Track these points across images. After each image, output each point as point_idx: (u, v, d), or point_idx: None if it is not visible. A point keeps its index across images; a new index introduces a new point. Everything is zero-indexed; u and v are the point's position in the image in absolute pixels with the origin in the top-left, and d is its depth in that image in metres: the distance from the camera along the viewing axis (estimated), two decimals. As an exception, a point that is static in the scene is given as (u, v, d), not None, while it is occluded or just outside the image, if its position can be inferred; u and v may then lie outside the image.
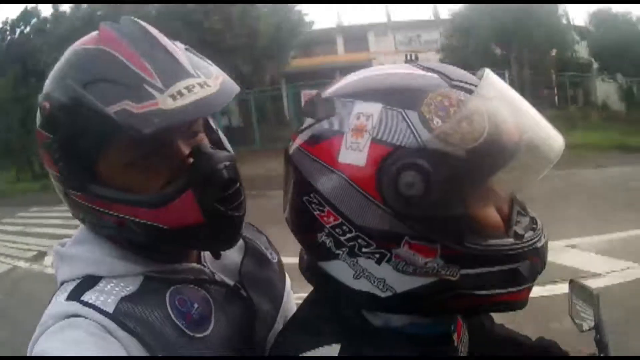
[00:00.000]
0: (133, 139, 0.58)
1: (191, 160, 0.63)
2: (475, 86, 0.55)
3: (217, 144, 0.70)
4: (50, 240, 7.18)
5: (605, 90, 18.26)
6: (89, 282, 0.62)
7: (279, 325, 0.75)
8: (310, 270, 0.63)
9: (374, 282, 0.55)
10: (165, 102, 0.57)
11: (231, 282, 0.73)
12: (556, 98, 17.66)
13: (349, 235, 0.55)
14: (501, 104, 0.55)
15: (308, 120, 0.59)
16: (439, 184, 0.50)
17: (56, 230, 7.56)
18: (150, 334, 0.58)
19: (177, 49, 0.64)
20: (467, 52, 15.45)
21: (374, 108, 0.54)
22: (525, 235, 0.57)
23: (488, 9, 15.51)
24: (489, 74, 0.57)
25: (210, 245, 0.68)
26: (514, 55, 15.51)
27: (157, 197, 0.61)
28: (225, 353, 0.64)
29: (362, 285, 0.56)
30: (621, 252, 4.20)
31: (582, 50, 18.48)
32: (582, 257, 4.13)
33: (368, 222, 0.53)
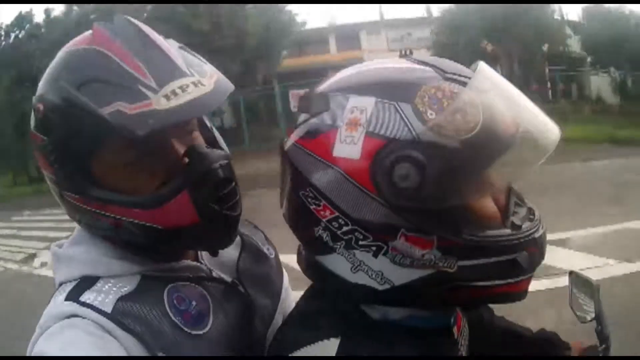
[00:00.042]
0: (127, 140, 0.58)
1: (186, 160, 0.62)
2: (469, 79, 0.55)
3: (212, 143, 0.70)
4: (40, 243, 7.49)
5: (599, 84, 18.26)
6: (86, 282, 0.62)
7: (277, 321, 0.75)
8: (308, 265, 0.63)
9: (372, 275, 0.55)
10: (159, 102, 0.56)
11: (229, 279, 0.73)
12: (550, 92, 17.67)
13: (345, 228, 0.55)
14: (496, 95, 0.55)
15: (303, 116, 0.59)
16: (434, 175, 0.50)
17: (47, 233, 7.73)
18: (148, 333, 0.58)
19: (171, 47, 0.63)
20: (457, 49, 15.47)
21: (368, 102, 0.54)
22: (523, 226, 0.57)
23: (477, 6, 15.55)
24: (483, 66, 0.57)
25: (206, 244, 0.68)
26: (503, 51, 15.52)
27: (152, 198, 0.61)
28: (224, 349, 0.64)
29: (359, 278, 0.56)
30: (599, 248, 4.11)
31: (574, 45, 18.49)
32: (558, 254, 3.93)
33: (364, 215, 0.53)
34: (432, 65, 0.57)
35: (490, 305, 0.83)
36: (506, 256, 0.55)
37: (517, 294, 0.58)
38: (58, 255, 0.68)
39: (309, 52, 20.74)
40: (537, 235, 0.57)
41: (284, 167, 0.61)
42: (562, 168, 6.67)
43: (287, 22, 16.25)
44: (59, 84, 0.59)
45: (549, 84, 18.00)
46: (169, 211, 0.60)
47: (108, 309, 0.58)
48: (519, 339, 0.84)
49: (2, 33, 16.83)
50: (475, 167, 0.52)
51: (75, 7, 15.29)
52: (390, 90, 0.54)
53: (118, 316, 0.58)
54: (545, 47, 17.39)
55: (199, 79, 0.60)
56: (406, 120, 0.52)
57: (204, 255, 0.74)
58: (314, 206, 0.56)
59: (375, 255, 0.54)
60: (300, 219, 0.59)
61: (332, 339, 0.55)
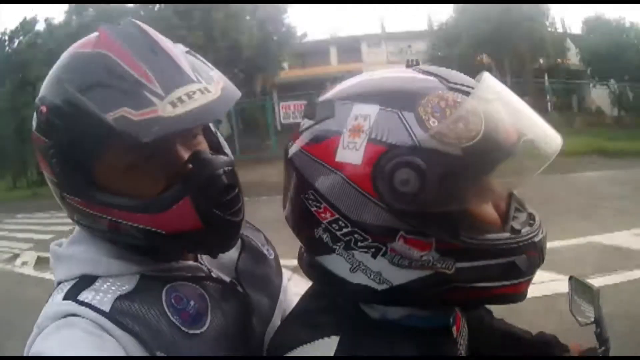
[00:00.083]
0: (131, 145, 0.57)
1: (190, 166, 0.62)
2: (473, 88, 0.56)
3: (216, 148, 0.70)
4: (23, 244, 7.83)
5: (599, 96, 18.19)
6: (85, 281, 0.61)
7: (276, 321, 0.75)
8: (309, 265, 0.64)
9: (370, 275, 0.56)
10: (165, 109, 0.56)
11: (228, 279, 0.73)
12: (549, 105, 17.64)
13: (345, 230, 0.56)
14: (499, 105, 0.55)
15: (307, 122, 0.60)
16: (434, 181, 0.51)
17: (32, 235, 8.24)
18: (146, 332, 0.58)
19: (178, 52, 0.63)
20: (451, 62, 15.57)
21: (372, 109, 0.55)
22: (522, 231, 0.58)
23: (471, 19, 15.66)
24: (487, 76, 0.58)
25: (207, 249, 0.68)
26: (496, 63, 15.53)
27: (154, 203, 0.60)
28: (222, 349, 0.64)
29: (358, 278, 0.57)
30: (547, 264, 4.12)
31: (573, 57, 18.48)
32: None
33: (363, 217, 0.54)
34: (436, 75, 0.58)
35: (489, 307, 0.85)
36: (505, 259, 0.56)
37: (516, 295, 0.59)
38: (57, 254, 0.67)
39: (310, 64, 20.90)
40: (536, 239, 0.58)
41: (288, 171, 0.62)
42: (541, 180, 6.62)
43: (286, 34, 16.43)
44: (63, 87, 0.58)
45: (547, 97, 17.96)
46: (172, 216, 0.60)
47: (106, 308, 0.58)
48: (518, 341, 0.85)
49: (6, 39, 17.20)
50: (475, 175, 0.53)
51: (74, 16, 15.62)
52: (394, 98, 0.55)
53: (116, 315, 0.58)
54: (541, 60, 17.38)
55: (206, 85, 0.59)
56: (408, 127, 0.53)
57: (204, 255, 0.74)
58: (314, 208, 0.57)
59: (374, 256, 0.55)
60: (302, 220, 0.61)
61: (332, 337, 0.56)
